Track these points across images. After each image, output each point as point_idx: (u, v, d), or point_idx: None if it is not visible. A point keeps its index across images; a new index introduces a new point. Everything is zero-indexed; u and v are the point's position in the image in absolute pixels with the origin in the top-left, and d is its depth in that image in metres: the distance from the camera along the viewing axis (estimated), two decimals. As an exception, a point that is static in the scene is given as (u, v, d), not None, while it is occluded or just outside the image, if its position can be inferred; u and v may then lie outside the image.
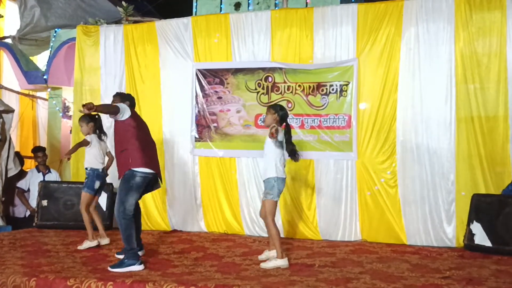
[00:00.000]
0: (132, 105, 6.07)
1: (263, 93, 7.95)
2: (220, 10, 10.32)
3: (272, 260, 5.76)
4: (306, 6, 9.54)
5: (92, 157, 6.85)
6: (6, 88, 10.90)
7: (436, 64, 7.19)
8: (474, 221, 6.60)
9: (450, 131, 7.09)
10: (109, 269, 5.43)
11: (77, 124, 8.61)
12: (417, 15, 7.28)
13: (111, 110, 5.68)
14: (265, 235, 7.32)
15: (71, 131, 9.34)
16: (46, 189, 8.35)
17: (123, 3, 10.14)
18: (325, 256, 6.31)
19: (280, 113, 5.89)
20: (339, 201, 7.54)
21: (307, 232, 7.61)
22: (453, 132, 7.09)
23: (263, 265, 5.71)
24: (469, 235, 6.64)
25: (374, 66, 7.44)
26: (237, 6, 10.30)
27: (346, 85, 7.54)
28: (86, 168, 6.90)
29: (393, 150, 7.31)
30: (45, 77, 10.34)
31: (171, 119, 8.41)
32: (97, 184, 6.88)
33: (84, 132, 6.96)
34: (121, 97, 6.20)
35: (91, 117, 6.88)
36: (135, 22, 9.54)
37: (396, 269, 5.59)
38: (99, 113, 6.57)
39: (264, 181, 5.93)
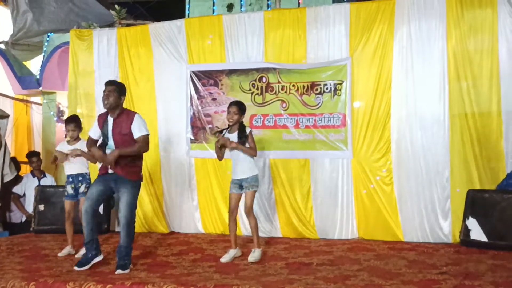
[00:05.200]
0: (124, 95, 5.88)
1: (257, 94, 7.98)
2: (213, 12, 10.34)
3: (256, 250, 6.07)
4: (299, 6, 9.57)
5: (84, 160, 6.77)
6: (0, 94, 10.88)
7: (429, 62, 7.24)
8: (470, 217, 6.65)
9: (444, 128, 7.14)
10: (120, 272, 5.45)
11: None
12: (409, 13, 7.33)
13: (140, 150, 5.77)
14: (263, 235, 7.37)
15: (66, 135, 9.32)
16: (42, 193, 8.36)
17: (116, 6, 10.15)
18: (322, 255, 6.35)
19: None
20: (335, 200, 7.58)
21: (304, 231, 7.64)
22: (447, 129, 7.14)
23: (252, 259, 5.95)
24: (465, 230, 6.69)
25: (368, 64, 7.48)
26: (230, 7, 10.32)
27: (340, 84, 7.58)
28: (82, 174, 6.86)
29: (388, 148, 7.35)
30: (39, 82, 10.33)
31: (166, 121, 8.42)
32: None
33: (75, 136, 6.91)
34: (119, 88, 5.77)
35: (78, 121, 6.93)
36: (128, 25, 9.55)
37: (394, 266, 5.62)
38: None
39: (244, 178, 6.15)
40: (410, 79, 7.30)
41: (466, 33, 7.12)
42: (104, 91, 5.71)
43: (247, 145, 6.16)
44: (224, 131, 6.36)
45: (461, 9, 7.11)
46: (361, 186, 7.46)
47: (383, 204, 7.32)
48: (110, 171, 5.73)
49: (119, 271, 5.46)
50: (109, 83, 5.79)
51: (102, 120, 5.82)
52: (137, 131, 5.66)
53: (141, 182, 5.99)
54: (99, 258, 5.79)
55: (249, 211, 6.15)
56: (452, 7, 7.14)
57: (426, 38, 7.27)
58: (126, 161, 5.71)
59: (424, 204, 7.18)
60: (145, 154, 8.22)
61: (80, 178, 6.80)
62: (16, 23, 10.96)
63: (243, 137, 6.17)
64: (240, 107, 6.26)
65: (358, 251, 6.57)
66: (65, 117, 9.99)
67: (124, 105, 8.21)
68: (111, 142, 5.72)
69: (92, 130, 5.91)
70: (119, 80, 8.50)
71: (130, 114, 5.78)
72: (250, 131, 6.25)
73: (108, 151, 5.71)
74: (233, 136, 6.19)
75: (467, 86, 7.09)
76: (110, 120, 5.75)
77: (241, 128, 6.23)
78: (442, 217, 7.11)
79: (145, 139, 5.70)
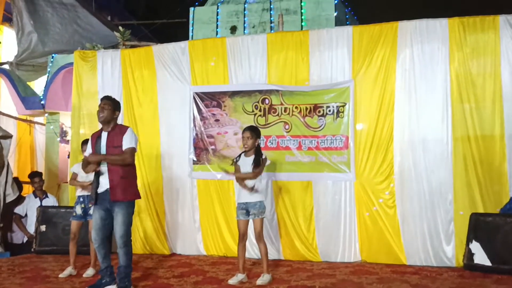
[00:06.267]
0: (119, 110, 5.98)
1: (260, 115, 7.99)
2: (217, 34, 10.41)
3: (266, 275, 6.08)
4: (302, 29, 9.63)
5: None
6: (3, 114, 10.92)
7: (432, 85, 7.26)
8: (473, 240, 6.60)
9: (447, 150, 7.13)
10: None
11: (75, 149, 8.63)
12: (412, 37, 7.37)
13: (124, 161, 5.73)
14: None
15: (69, 155, 9.34)
16: (44, 214, 8.33)
17: (120, 28, 10.22)
18: (325, 278, 6.30)
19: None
20: (338, 222, 7.54)
21: (307, 253, 7.60)
22: (450, 151, 7.13)
23: (260, 282, 5.97)
24: (469, 254, 6.64)
25: (370, 87, 7.50)
26: (233, 29, 10.41)
27: (343, 106, 7.59)
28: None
29: (391, 171, 7.34)
30: (42, 102, 10.38)
31: (169, 142, 8.42)
32: None
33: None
34: (114, 104, 5.88)
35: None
36: (132, 46, 9.61)
37: (397, 290, 5.58)
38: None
39: (250, 202, 6.20)
40: (413, 102, 7.31)
41: (469, 56, 7.15)
42: (100, 105, 5.84)
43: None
44: (238, 157, 6.45)
45: (463, 32, 7.15)
46: (364, 208, 7.43)
47: (386, 227, 7.28)
48: (101, 190, 5.71)
49: None
50: (104, 98, 5.94)
51: (95, 137, 5.87)
52: (127, 143, 5.71)
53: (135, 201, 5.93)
54: (111, 287, 5.72)
55: (259, 237, 6.20)
56: (455, 31, 7.18)
57: (429, 61, 7.30)
58: (123, 181, 5.68)
59: (427, 227, 7.14)
60: (147, 175, 8.30)
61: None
62: (21, 44, 11.06)
63: (257, 163, 6.24)
64: (253, 131, 6.38)
65: (361, 274, 6.52)
66: (68, 138, 10.05)
67: (128, 125, 8.31)
68: None
69: (87, 152, 5.93)
70: (122, 101, 8.57)
71: (123, 128, 5.89)
72: (265, 158, 6.35)
73: (101, 167, 5.69)
74: (249, 160, 6.27)
75: (470, 109, 7.10)
76: (104, 135, 5.80)
77: (257, 153, 6.32)
78: (445, 240, 7.07)
79: (132, 151, 5.75)
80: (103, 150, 5.71)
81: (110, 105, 5.80)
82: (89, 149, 5.88)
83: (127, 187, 5.72)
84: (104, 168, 5.71)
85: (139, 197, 5.96)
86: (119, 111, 5.96)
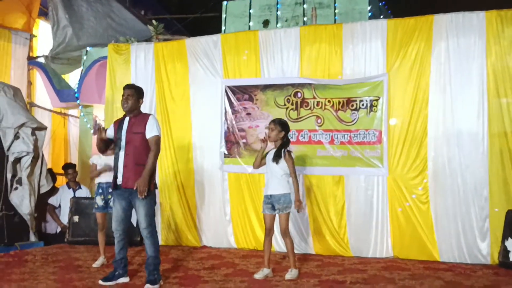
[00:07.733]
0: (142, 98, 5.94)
1: (292, 109, 7.95)
2: (249, 28, 10.36)
3: (293, 270, 6.04)
4: (335, 22, 9.54)
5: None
6: (38, 106, 11.10)
7: (467, 79, 7.12)
8: (509, 238, 6.48)
9: (483, 146, 6.99)
10: (149, 286, 5.37)
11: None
12: (448, 30, 7.23)
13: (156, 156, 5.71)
14: (295, 251, 7.28)
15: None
16: (77, 205, 8.44)
17: (153, 21, 10.27)
18: (356, 273, 6.24)
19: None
20: (370, 218, 7.46)
21: (338, 248, 7.54)
22: (485, 147, 6.98)
23: (289, 276, 5.94)
24: (504, 252, 6.52)
25: (404, 81, 7.39)
26: (266, 23, 10.35)
27: (376, 100, 7.50)
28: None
29: (425, 166, 7.22)
30: (76, 95, 10.50)
31: (200, 135, 8.45)
32: None
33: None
34: (138, 92, 5.84)
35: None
36: (165, 40, 9.64)
37: (429, 287, 5.51)
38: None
39: (275, 195, 6.11)
40: (448, 96, 7.19)
41: (507, 50, 6.98)
42: (123, 94, 5.81)
43: (281, 163, 6.12)
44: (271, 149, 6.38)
45: (501, 25, 6.98)
46: (396, 204, 7.33)
47: (419, 223, 7.18)
48: (120, 181, 5.68)
49: (148, 286, 5.40)
50: (127, 87, 5.91)
51: (118, 123, 5.88)
52: (149, 131, 5.64)
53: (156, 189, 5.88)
54: (124, 279, 5.73)
55: (284, 233, 6.12)
56: (492, 24, 7.02)
57: (465, 55, 7.15)
58: (138, 168, 5.58)
59: (461, 224, 7.02)
60: (179, 168, 8.33)
61: (111, 190, 6.83)
62: (56, 38, 11.18)
63: (278, 154, 6.14)
64: (276, 123, 6.24)
65: (393, 270, 6.45)
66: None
67: (160, 119, 8.33)
68: (123, 143, 5.68)
69: (108, 130, 5.96)
70: (155, 94, 8.62)
71: (145, 116, 5.83)
72: (286, 152, 6.17)
73: (120, 152, 5.68)
74: (272, 152, 6.24)
75: (507, 104, 6.94)
76: (126, 120, 5.79)
77: (281, 145, 6.21)
78: (480, 237, 6.93)
79: (157, 140, 5.65)
80: (123, 135, 5.69)
81: (134, 94, 5.78)
82: (109, 131, 5.89)
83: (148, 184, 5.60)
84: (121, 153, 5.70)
85: (155, 188, 5.80)
86: (143, 98, 5.94)
